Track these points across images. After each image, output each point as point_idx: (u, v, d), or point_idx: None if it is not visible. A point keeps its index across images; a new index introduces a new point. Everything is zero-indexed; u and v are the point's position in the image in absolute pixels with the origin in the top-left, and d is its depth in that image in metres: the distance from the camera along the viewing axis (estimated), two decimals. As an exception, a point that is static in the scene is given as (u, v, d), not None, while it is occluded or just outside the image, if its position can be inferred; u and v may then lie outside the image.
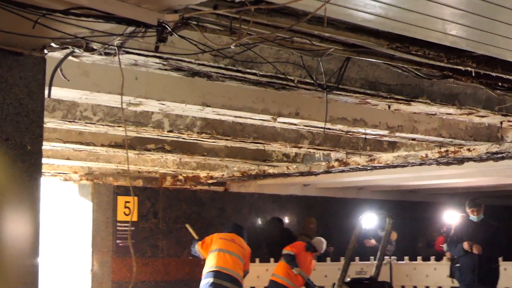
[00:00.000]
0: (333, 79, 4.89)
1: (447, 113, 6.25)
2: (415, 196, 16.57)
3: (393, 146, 8.70)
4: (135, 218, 12.38)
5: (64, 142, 7.77)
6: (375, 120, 6.83)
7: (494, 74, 4.77)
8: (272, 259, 12.32)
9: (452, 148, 8.25)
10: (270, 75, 4.71)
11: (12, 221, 3.46)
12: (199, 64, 4.39)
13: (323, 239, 10.87)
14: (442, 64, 4.56)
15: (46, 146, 7.85)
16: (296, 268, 10.43)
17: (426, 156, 8.52)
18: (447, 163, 9.06)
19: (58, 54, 3.91)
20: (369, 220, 10.78)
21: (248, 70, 4.59)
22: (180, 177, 12.00)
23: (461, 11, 3.52)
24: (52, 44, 3.64)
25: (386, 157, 8.94)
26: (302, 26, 3.74)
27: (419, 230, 16.03)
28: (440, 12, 3.54)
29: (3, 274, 3.43)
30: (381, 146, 8.64)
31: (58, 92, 4.92)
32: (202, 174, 11.33)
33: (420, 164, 9.17)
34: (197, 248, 9.62)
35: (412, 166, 9.28)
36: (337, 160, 9.47)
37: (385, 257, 11.05)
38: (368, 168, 9.69)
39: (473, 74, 4.85)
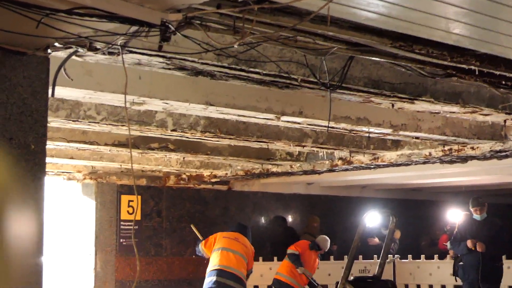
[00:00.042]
0: (336, 78, 4.89)
1: (451, 112, 6.24)
2: (418, 195, 16.56)
3: (396, 144, 8.70)
4: (138, 217, 12.39)
5: (68, 141, 7.79)
6: (378, 118, 6.83)
7: (497, 72, 4.77)
8: (275, 258, 12.32)
9: (455, 147, 8.24)
10: (274, 74, 4.71)
11: (16, 221, 3.47)
12: (202, 63, 4.39)
13: (327, 238, 10.87)
14: (445, 63, 4.56)
15: (49, 145, 7.86)
16: (301, 268, 10.43)
17: (430, 154, 8.52)
18: (451, 162, 9.05)
19: (62, 54, 3.91)
20: (372, 219, 10.76)
21: (251, 69, 4.59)
22: (184, 176, 12.01)
23: (464, 9, 3.52)
24: (56, 44, 3.64)
25: (390, 155, 8.94)
26: (306, 25, 3.74)
27: (422, 229, 16.01)
28: (443, 11, 3.54)
29: (7, 273, 3.44)
30: (385, 145, 8.64)
31: (61, 92, 4.92)
32: (206, 173, 11.33)
33: (424, 163, 9.17)
34: (201, 247, 9.63)
35: (415, 164, 9.28)
36: (340, 158, 9.47)
37: (388, 255, 11.05)
38: (372, 166, 9.69)
39: (477, 73, 4.85)
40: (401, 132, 7.16)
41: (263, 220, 14.33)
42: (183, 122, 6.83)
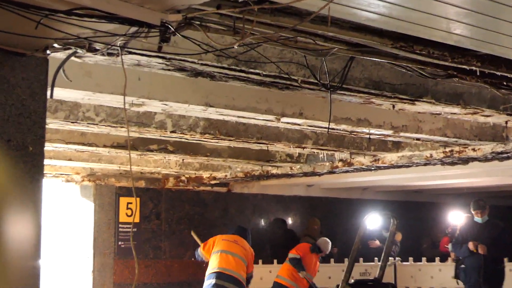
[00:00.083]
0: (337, 79, 4.87)
1: (452, 113, 6.23)
2: (419, 197, 16.54)
3: (397, 146, 8.68)
4: (137, 219, 12.36)
5: (66, 143, 7.76)
6: (379, 120, 6.81)
7: (498, 73, 4.75)
8: (275, 261, 12.29)
9: (457, 148, 8.22)
10: (274, 75, 4.69)
11: (13, 223, 3.44)
12: (202, 64, 4.38)
13: (328, 240, 10.84)
14: (446, 64, 4.54)
15: (48, 147, 7.84)
16: (303, 272, 10.39)
17: (431, 156, 8.50)
18: (452, 163, 9.03)
19: (61, 55, 3.89)
20: (373, 221, 10.74)
21: (251, 70, 4.57)
22: (183, 177, 11.98)
23: (465, 10, 3.50)
24: (55, 45, 3.62)
25: (391, 157, 8.92)
26: (306, 25, 3.73)
27: (423, 231, 15.99)
28: (444, 11, 3.52)
29: (5, 276, 3.42)
30: (386, 146, 8.62)
31: (60, 93, 4.90)
32: (205, 174, 11.31)
33: (425, 164, 9.15)
34: (200, 251, 9.59)
35: (416, 166, 9.26)
36: (341, 160, 9.45)
37: (389, 258, 11.02)
38: (373, 168, 9.66)
39: (478, 73, 4.83)
40: (402, 134, 7.14)
41: (263, 222, 14.30)
42: (182, 124, 6.81)
